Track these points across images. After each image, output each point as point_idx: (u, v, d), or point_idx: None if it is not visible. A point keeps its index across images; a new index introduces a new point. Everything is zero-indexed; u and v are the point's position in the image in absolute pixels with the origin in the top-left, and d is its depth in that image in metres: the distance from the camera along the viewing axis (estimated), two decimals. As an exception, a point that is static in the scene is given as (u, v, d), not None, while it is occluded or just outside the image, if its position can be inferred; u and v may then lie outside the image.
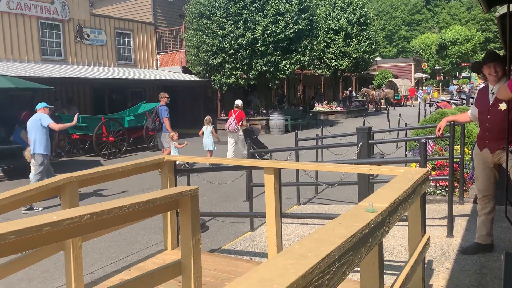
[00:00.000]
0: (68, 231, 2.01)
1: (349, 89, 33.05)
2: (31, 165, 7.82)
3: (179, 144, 9.97)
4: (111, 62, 18.67)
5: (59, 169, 10.79)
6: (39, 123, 7.55)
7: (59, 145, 13.82)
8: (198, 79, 19.30)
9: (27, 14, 15.46)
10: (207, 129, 11.02)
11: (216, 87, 18.86)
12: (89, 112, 16.48)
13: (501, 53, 3.93)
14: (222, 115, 20.31)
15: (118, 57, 19.07)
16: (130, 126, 14.24)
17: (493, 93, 3.79)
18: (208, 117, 11.50)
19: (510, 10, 3.55)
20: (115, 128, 13.62)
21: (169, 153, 9.77)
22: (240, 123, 11.30)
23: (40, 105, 7.91)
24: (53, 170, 7.83)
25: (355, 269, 1.54)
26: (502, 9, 5.30)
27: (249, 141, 7.22)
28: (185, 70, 20.15)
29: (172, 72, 20.22)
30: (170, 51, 20.99)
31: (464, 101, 27.93)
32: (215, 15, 17.33)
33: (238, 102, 11.90)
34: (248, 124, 12.04)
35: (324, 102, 27.10)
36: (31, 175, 7.68)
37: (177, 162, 9.38)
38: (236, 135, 11.28)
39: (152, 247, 5.30)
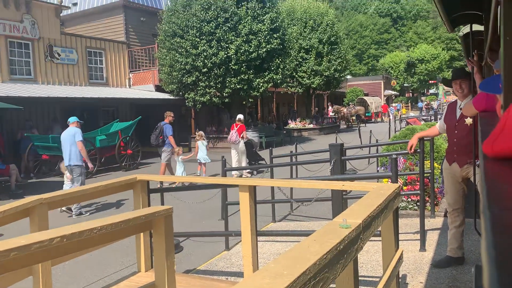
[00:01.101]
0: (37, 255, 1.95)
1: (323, 109, 33.40)
2: (65, 177, 8.51)
3: (184, 156, 11.05)
4: (82, 81, 18.42)
5: (28, 191, 10.47)
6: (73, 137, 8.10)
7: (28, 166, 13.43)
8: (171, 97, 19.22)
9: (-5, 33, 15.15)
10: (202, 143, 11.69)
11: (190, 105, 18.83)
12: (59, 132, 16.12)
13: (468, 70, 4.09)
14: (196, 133, 20.22)
15: (90, 76, 18.83)
16: (102, 146, 13.99)
17: (460, 109, 3.93)
18: (200, 132, 12.35)
19: (472, 30, 3.71)
20: (86, 147, 13.33)
21: (164, 168, 10.96)
22: (241, 136, 12.07)
23: (72, 119, 8.41)
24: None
25: (331, 285, 1.54)
26: (465, 29, 5.54)
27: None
28: (158, 89, 20.05)
29: (145, 90, 20.08)
30: (143, 69, 20.88)
31: (432, 117, 28.72)
32: (188, 34, 17.40)
33: (240, 116, 12.70)
34: (248, 138, 12.75)
35: (297, 119, 27.40)
36: (66, 187, 8.23)
37: (169, 184, 10.15)
38: (237, 147, 12.08)
39: (125, 269, 5.17)
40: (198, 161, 11.62)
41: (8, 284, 2.82)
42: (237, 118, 12.61)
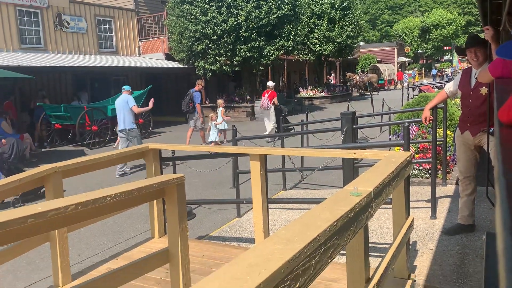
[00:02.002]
0: (53, 222, 2.00)
1: (328, 76, 32.86)
2: (119, 142, 9.41)
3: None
4: (92, 50, 18.35)
5: (42, 160, 10.65)
6: (126, 103, 8.80)
7: (41, 135, 13.61)
8: (181, 66, 19.10)
9: (4, 1, 15.03)
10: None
11: (200, 73, 18.71)
12: (71, 101, 16.25)
13: (483, 36, 3.97)
14: (206, 102, 20.18)
15: (100, 44, 18.73)
16: (113, 115, 14.06)
17: (476, 78, 3.84)
18: (220, 100, 13.33)
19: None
20: (99, 117, 13.44)
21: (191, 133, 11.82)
22: (272, 102, 12.88)
23: (127, 87, 9.27)
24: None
25: (341, 252, 1.56)
26: (483, -8, 5.34)
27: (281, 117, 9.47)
28: (168, 57, 19.90)
29: (155, 59, 19.96)
30: (152, 38, 20.69)
31: (446, 84, 28.20)
32: (197, 0, 17.10)
33: (270, 83, 13.54)
34: (278, 103, 13.34)
35: (309, 88, 27.12)
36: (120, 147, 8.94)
37: (215, 140, 11.33)
38: (267, 113, 12.97)
39: (139, 235, 5.29)
40: (218, 128, 12.14)
41: (27, 250, 2.91)
42: (267, 85, 13.44)
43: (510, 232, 0.42)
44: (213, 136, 11.40)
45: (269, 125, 12.96)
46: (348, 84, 31.55)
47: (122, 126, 8.87)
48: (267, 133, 12.45)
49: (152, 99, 9.85)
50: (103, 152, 3.57)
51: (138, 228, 5.70)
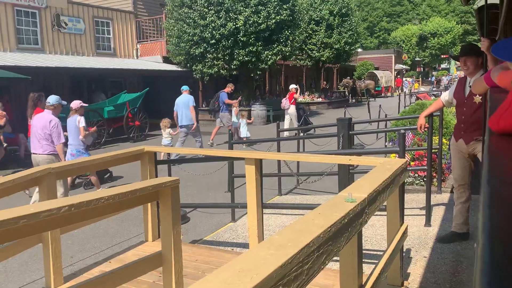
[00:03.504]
0: (46, 223, 1.98)
1: (324, 82, 32.87)
2: (163, 134, 10.19)
3: (249, 120, 13.49)
4: (89, 51, 18.32)
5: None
6: (187, 102, 10.45)
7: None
8: (179, 69, 19.10)
9: (2, 1, 15.00)
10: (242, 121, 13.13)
11: (197, 77, 18.72)
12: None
13: (480, 45, 4.00)
14: (203, 105, 20.19)
15: (97, 46, 18.71)
16: (109, 117, 14.04)
17: (470, 86, 3.87)
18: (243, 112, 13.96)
19: (487, 3, 3.61)
20: (95, 118, 13.41)
21: (217, 130, 12.90)
22: (292, 101, 14.26)
23: (185, 88, 11.04)
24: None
25: (335, 258, 1.56)
26: (480, 2, 5.39)
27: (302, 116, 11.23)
28: (166, 60, 19.90)
29: (152, 62, 19.95)
30: (150, 40, 20.69)
31: (443, 92, 28.36)
32: (196, 4, 17.13)
33: (292, 86, 15.04)
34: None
35: (306, 93, 27.16)
36: (165, 142, 10.10)
37: (246, 135, 12.39)
38: (287, 112, 14.33)
39: (132, 238, 5.27)
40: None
41: (19, 250, 2.89)
42: (292, 87, 14.90)
43: (488, 237, 0.42)
44: (244, 132, 12.48)
45: (287, 122, 14.40)
46: (345, 90, 31.61)
47: (185, 122, 10.41)
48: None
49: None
50: (98, 154, 3.56)
51: (132, 231, 5.68)
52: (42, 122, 6.10)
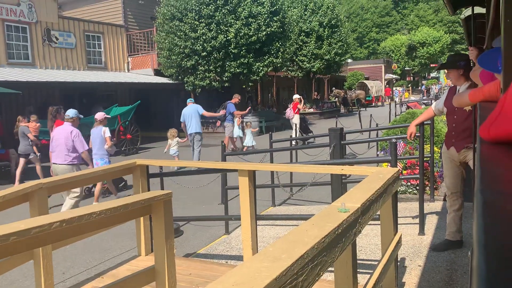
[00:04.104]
0: (37, 240, 1.96)
1: (315, 93, 33.09)
2: (171, 144, 10.63)
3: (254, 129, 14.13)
4: (81, 65, 18.30)
5: (27, 176, 10.49)
6: (196, 111, 10.89)
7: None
8: (171, 81, 19.12)
9: (-8, 16, 15.00)
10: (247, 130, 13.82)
11: (189, 89, 18.74)
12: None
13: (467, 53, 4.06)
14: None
15: (88, 60, 18.69)
16: (101, 131, 13.95)
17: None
18: (249, 122, 14.63)
19: (474, 12, 3.67)
20: (86, 133, 13.28)
21: (231, 139, 13.31)
22: (295, 111, 15.28)
23: (190, 100, 11.54)
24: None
25: (330, 269, 1.55)
26: (467, 12, 5.48)
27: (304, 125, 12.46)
28: (158, 73, 19.93)
29: (144, 75, 19.96)
30: (141, 53, 20.72)
31: (433, 101, 28.64)
32: (187, 17, 17.22)
33: (295, 96, 16.34)
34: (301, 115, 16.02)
35: (298, 104, 27.26)
36: (172, 151, 10.61)
37: (252, 144, 13.16)
38: (291, 121, 15.26)
39: (125, 253, 5.21)
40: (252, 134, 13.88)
41: (9, 268, 2.84)
42: (296, 97, 16.06)
43: (483, 249, 0.42)
44: (249, 141, 12.97)
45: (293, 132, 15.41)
46: (336, 100, 31.80)
47: (193, 130, 10.90)
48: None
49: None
50: (89, 168, 3.53)
51: (124, 245, 5.62)
52: (64, 133, 6.52)
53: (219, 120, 14.14)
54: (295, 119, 15.11)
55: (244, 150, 12.45)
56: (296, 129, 14.81)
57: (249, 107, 15.99)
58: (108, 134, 7.67)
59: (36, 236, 1.88)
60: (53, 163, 6.59)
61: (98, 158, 7.70)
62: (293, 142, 8.87)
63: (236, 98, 13.57)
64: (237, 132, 13.62)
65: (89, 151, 7.52)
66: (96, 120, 7.88)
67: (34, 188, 2.92)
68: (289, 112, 15.60)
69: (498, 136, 0.89)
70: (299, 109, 15.37)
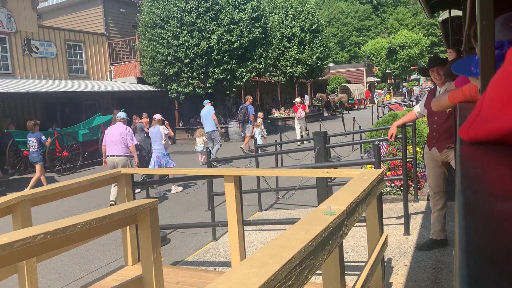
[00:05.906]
0: (21, 253, 1.93)
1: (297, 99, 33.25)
2: (198, 142, 11.96)
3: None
4: (62, 75, 18.08)
5: (9, 188, 10.31)
6: (208, 112, 12.69)
7: (9, 162, 13.19)
8: (154, 89, 19.03)
9: (-31, 27, 14.73)
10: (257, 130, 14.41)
11: (173, 96, 18.67)
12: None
13: (445, 56, 4.14)
14: (180, 124, 20.10)
15: (70, 69, 18.49)
16: (84, 140, 13.82)
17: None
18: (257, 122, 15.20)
19: (451, 15, 3.75)
20: (69, 142, 13.17)
21: (252, 138, 13.84)
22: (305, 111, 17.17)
23: (206, 101, 13.16)
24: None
25: (318, 271, 1.56)
26: (444, 15, 5.59)
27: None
28: (140, 81, 19.81)
29: (127, 83, 19.82)
30: (124, 62, 20.58)
31: (414, 103, 29.05)
32: (169, 24, 17.19)
33: (297, 99, 17.70)
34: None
35: (281, 108, 27.39)
36: (199, 148, 11.90)
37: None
38: (302, 121, 17.03)
39: (112, 263, 5.15)
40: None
41: (-7, 283, 2.78)
42: (295, 101, 17.40)
43: (465, 250, 0.43)
44: (259, 140, 13.30)
45: (299, 132, 16.92)
46: (319, 104, 32.00)
47: (207, 129, 12.48)
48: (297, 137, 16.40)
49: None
50: (74, 179, 3.49)
51: (111, 255, 5.55)
52: (118, 130, 7.93)
53: (239, 121, 15.02)
54: (302, 120, 16.84)
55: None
56: (303, 128, 16.50)
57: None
58: (166, 131, 9.02)
59: (20, 249, 1.85)
60: (110, 156, 7.78)
61: (158, 152, 8.90)
62: (278, 147, 8.89)
63: (250, 99, 14.91)
64: (257, 133, 14.40)
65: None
66: (154, 120, 9.16)
67: (17, 200, 2.87)
68: (303, 113, 16.98)
69: (477, 136, 0.91)
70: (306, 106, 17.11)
